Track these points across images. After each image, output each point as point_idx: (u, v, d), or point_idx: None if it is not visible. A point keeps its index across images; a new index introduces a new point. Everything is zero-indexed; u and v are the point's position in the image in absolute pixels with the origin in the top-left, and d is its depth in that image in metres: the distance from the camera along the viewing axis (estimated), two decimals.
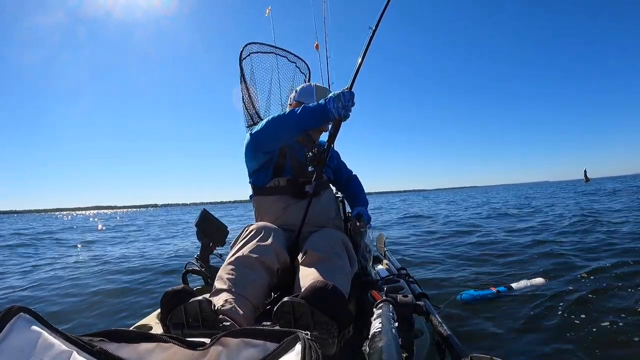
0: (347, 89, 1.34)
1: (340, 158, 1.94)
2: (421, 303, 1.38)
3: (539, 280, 2.95)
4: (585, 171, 42.59)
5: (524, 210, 10.59)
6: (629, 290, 2.64)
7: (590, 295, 2.56)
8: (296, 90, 1.71)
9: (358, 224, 1.60)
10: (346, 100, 1.29)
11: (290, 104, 1.72)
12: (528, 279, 2.96)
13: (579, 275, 3.09)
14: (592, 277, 3.02)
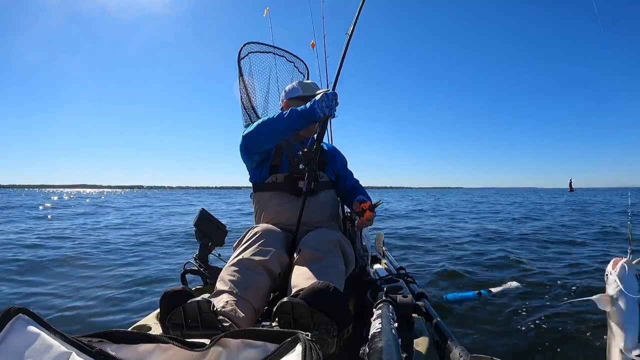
0: (330, 90, 1.46)
1: (346, 165, 1.84)
2: (421, 303, 1.38)
3: (514, 283, 3.07)
4: (570, 181, 44.42)
5: None
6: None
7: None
8: (285, 91, 1.74)
9: (365, 212, 1.45)
10: (330, 100, 1.40)
11: (281, 107, 1.74)
12: (504, 283, 3.07)
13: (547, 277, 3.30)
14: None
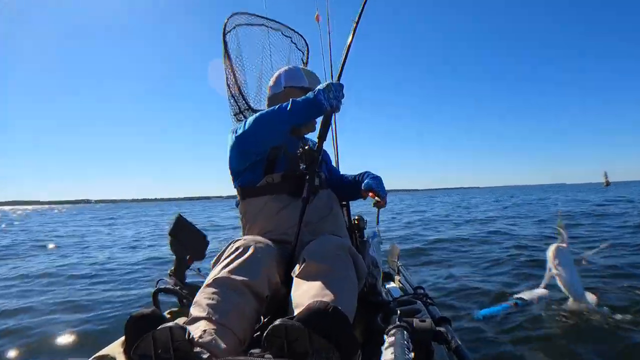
0: (335, 80, 1.35)
1: (330, 160, 1.77)
2: (442, 329, 1.22)
3: (541, 290, 2.89)
4: (605, 174, 37.80)
5: None
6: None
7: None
8: (276, 77, 1.55)
9: (375, 198, 1.40)
10: (336, 90, 1.29)
11: (275, 94, 1.53)
12: (531, 289, 2.93)
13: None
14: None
